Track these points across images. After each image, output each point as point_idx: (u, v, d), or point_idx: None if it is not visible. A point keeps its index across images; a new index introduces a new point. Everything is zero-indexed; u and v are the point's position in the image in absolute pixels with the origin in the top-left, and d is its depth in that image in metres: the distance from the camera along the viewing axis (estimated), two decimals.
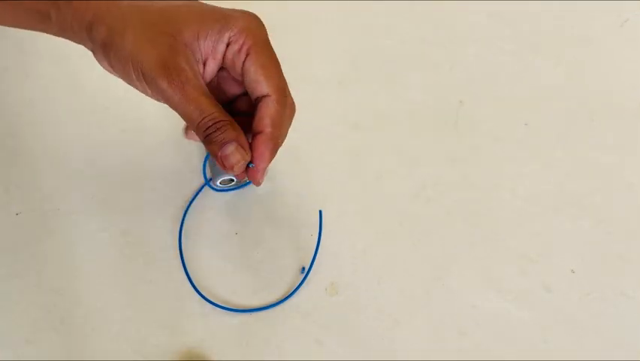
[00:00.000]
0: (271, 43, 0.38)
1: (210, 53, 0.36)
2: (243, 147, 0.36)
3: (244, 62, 0.37)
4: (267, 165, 0.38)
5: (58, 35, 0.37)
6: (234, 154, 0.36)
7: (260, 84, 0.37)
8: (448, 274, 0.43)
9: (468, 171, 0.48)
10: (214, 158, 0.37)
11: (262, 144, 0.37)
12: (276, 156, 0.49)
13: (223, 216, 0.45)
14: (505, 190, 0.47)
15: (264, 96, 0.37)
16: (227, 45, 0.36)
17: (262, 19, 0.38)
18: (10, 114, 0.50)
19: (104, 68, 0.37)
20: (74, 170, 0.48)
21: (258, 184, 0.39)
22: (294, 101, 0.39)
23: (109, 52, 0.35)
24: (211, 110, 0.35)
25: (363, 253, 0.44)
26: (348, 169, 0.48)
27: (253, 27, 0.36)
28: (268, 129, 0.37)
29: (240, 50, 0.36)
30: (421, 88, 0.53)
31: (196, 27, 0.35)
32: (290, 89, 0.39)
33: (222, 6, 0.37)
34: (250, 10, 0.38)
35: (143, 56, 0.34)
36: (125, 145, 0.48)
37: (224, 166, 0.36)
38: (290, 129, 0.39)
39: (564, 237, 0.45)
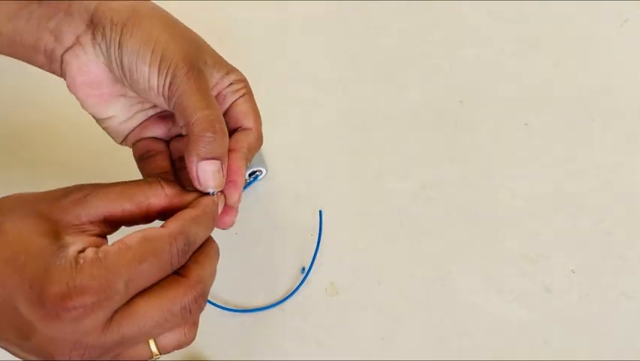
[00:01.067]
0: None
1: (213, 83, 0.36)
2: (223, 170, 0.34)
3: (237, 100, 0.37)
4: (242, 185, 0.36)
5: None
6: (215, 175, 0.33)
7: (248, 119, 0.37)
8: (448, 274, 0.43)
9: (468, 171, 0.48)
10: (192, 161, 0.33)
11: (239, 160, 0.35)
12: (276, 156, 0.49)
13: None
14: (505, 190, 0.47)
15: (246, 128, 0.37)
16: (228, 85, 0.37)
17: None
18: (10, 114, 0.50)
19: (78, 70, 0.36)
20: (74, 170, 0.48)
21: (231, 223, 0.36)
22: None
23: (130, 29, 0.33)
24: (217, 113, 0.34)
25: (363, 253, 0.44)
26: (348, 169, 0.48)
27: (246, 81, 0.38)
28: (244, 150, 0.36)
29: (237, 91, 0.37)
30: (421, 88, 0.53)
31: (213, 58, 0.36)
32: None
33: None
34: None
35: (169, 44, 0.34)
36: (125, 146, 0.48)
37: (197, 179, 0.33)
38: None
39: (564, 237, 0.45)
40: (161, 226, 0.30)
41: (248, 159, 0.37)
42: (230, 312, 0.42)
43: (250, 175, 0.46)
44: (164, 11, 0.37)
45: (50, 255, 0.27)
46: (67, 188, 0.31)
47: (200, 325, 0.41)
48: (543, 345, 0.41)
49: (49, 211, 0.29)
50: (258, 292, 0.43)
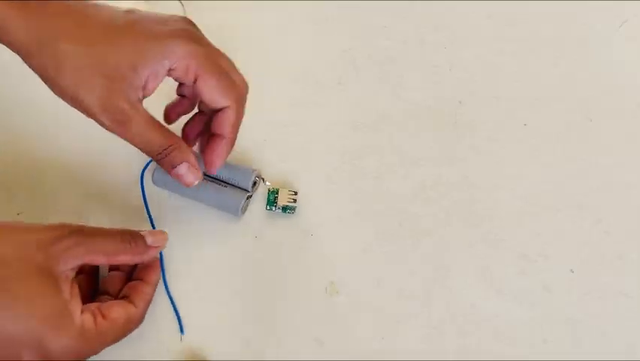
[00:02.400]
0: (215, 50, 0.39)
1: (150, 75, 0.37)
2: (192, 166, 0.40)
3: (194, 83, 0.38)
4: (222, 163, 0.41)
5: None
6: (187, 174, 0.40)
7: (217, 102, 0.39)
8: (448, 274, 0.44)
9: (468, 171, 0.48)
10: (172, 177, 0.40)
11: (221, 147, 0.41)
12: (276, 156, 0.49)
13: (223, 216, 0.45)
14: (505, 190, 0.48)
15: (223, 107, 0.40)
16: (169, 70, 0.37)
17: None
18: (11, 114, 0.49)
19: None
20: (75, 170, 0.48)
21: (210, 171, 0.42)
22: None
23: (46, 82, 0.37)
24: (156, 140, 0.38)
25: (363, 253, 0.44)
26: (348, 169, 0.49)
27: (192, 51, 0.37)
28: (229, 135, 0.40)
29: (186, 74, 0.38)
30: (421, 88, 0.53)
31: (132, 60, 0.36)
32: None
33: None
34: (186, 17, 0.40)
35: (83, 96, 0.36)
36: (126, 146, 0.48)
37: (183, 183, 0.40)
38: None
39: (564, 237, 0.45)
40: (136, 307, 0.38)
41: (234, 139, 0.41)
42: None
43: (253, 185, 0.46)
44: (75, 52, 0.36)
45: (60, 319, 0.34)
46: (54, 231, 0.35)
47: (200, 325, 0.41)
48: (542, 345, 0.41)
49: (45, 263, 0.34)
50: (258, 291, 0.43)
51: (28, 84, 0.41)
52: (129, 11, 0.38)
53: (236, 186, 0.45)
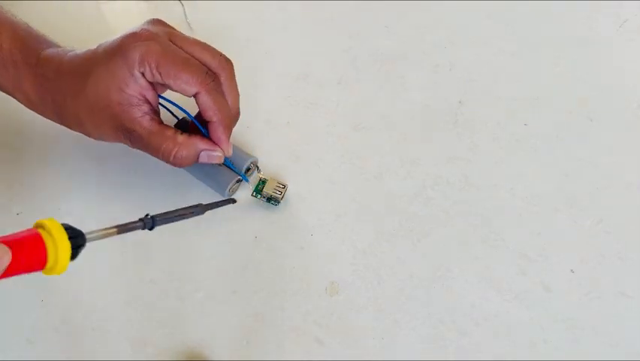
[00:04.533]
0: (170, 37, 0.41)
1: (140, 88, 0.40)
2: (208, 149, 0.42)
3: (162, 80, 0.40)
4: (228, 140, 0.43)
5: None
6: (211, 157, 0.42)
7: (185, 91, 0.40)
8: (448, 274, 0.44)
9: (468, 171, 0.48)
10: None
11: (216, 130, 0.42)
12: (275, 156, 0.49)
13: (223, 216, 0.45)
14: (505, 190, 0.48)
15: (195, 95, 0.41)
16: (143, 75, 0.39)
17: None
18: (11, 114, 0.50)
19: None
20: (75, 170, 0.48)
21: (227, 154, 0.43)
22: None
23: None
24: (164, 146, 0.41)
25: (363, 253, 0.44)
26: (348, 169, 0.49)
27: (145, 49, 0.39)
28: (214, 118, 0.41)
29: (152, 75, 0.39)
30: (421, 88, 0.53)
31: (114, 85, 0.39)
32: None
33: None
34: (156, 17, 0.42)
35: (104, 134, 0.42)
36: (126, 145, 0.48)
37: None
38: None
39: (564, 237, 0.45)
40: None
41: (224, 117, 0.42)
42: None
43: (246, 172, 0.46)
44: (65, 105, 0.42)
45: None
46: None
47: (200, 325, 0.41)
48: (543, 345, 0.41)
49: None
50: (258, 291, 0.43)
51: None
52: (105, 41, 0.41)
53: (231, 169, 0.45)
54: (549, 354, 0.41)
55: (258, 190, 0.46)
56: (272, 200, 0.46)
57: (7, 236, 0.29)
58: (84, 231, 0.31)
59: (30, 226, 0.30)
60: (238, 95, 0.43)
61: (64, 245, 0.29)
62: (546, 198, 0.47)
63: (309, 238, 0.45)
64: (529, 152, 0.50)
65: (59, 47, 0.43)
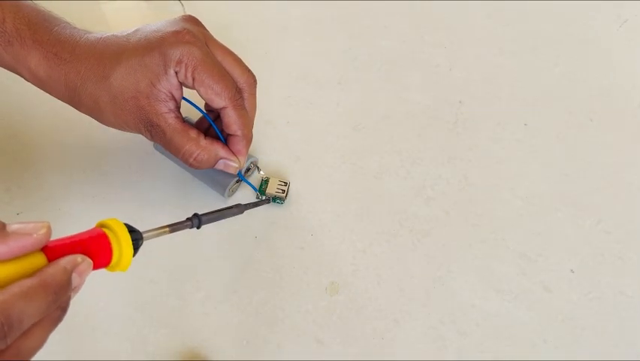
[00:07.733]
0: (217, 44, 0.42)
1: (170, 86, 0.40)
2: (227, 158, 0.43)
3: (193, 85, 0.40)
4: (246, 154, 0.44)
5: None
6: (227, 166, 0.43)
7: (213, 102, 0.41)
8: (448, 274, 0.44)
9: (468, 171, 0.48)
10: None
11: (238, 143, 0.43)
12: (275, 156, 0.49)
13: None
14: (505, 190, 0.48)
15: (222, 108, 0.41)
16: (176, 74, 0.40)
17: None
18: (11, 114, 0.50)
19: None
20: (75, 170, 0.48)
21: (241, 166, 0.44)
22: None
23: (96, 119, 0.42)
24: (187, 147, 0.41)
25: (363, 253, 0.44)
26: (348, 169, 0.49)
27: (186, 52, 0.39)
28: (239, 132, 0.42)
29: (185, 78, 0.40)
30: (421, 88, 0.53)
31: (146, 78, 0.39)
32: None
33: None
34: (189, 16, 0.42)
35: (126, 125, 0.41)
36: (125, 145, 0.48)
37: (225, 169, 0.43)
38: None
39: (563, 237, 0.45)
40: None
41: (247, 133, 0.43)
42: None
43: (246, 172, 0.46)
44: (101, 95, 0.40)
45: None
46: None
47: (200, 324, 0.41)
48: (543, 345, 0.41)
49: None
50: (258, 291, 0.43)
51: (27, 85, 0.41)
52: (135, 31, 0.40)
53: None
54: (549, 354, 0.41)
55: (262, 191, 0.46)
56: (277, 199, 0.46)
57: (73, 237, 0.29)
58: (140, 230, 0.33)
59: None
60: (256, 111, 0.44)
61: (128, 242, 0.31)
62: (546, 198, 0.47)
63: (309, 238, 0.45)
64: (529, 152, 0.50)
65: (68, 23, 0.42)
